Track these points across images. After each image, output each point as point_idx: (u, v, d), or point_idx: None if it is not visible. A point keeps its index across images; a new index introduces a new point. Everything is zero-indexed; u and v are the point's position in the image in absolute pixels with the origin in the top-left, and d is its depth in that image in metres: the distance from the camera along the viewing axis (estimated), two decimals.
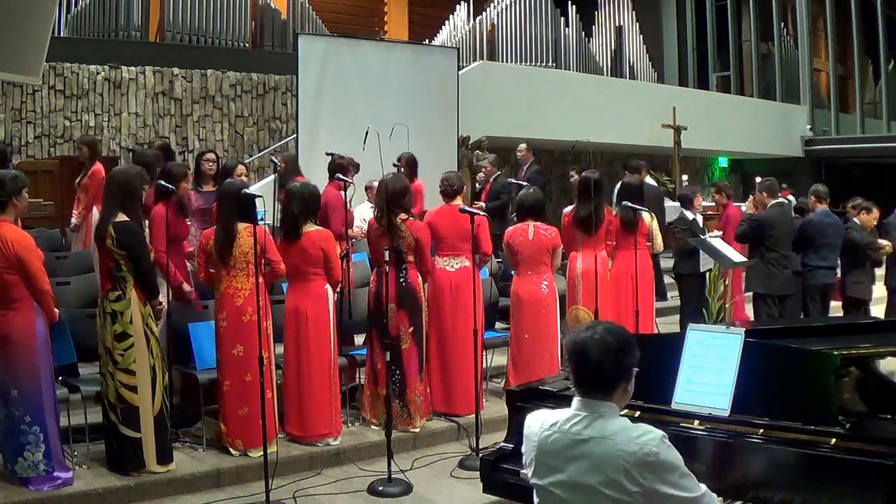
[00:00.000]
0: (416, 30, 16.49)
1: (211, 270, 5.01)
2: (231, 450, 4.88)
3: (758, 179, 8.50)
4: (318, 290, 5.16)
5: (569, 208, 6.48)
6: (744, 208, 9.14)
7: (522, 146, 9.94)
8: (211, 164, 6.59)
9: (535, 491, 2.46)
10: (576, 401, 2.38)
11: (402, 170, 7.14)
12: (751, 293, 7.88)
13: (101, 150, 8.99)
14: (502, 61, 15.52)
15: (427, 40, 15.11)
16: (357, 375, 5.84)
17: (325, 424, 5.14)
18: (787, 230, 7.39)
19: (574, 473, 2.31)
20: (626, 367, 2.35)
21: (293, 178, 6.59)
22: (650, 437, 2.25)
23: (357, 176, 7.50)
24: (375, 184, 7.15)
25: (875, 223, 7.91)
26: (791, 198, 10.35)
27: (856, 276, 7.62)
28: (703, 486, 2.31)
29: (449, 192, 5.90)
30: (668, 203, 9.84)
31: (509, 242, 6.00)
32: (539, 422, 2.44)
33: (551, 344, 5.93)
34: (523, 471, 3.36)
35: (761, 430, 3.00)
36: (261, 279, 4.80)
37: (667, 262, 9.19)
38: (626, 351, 2.33)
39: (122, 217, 4.47)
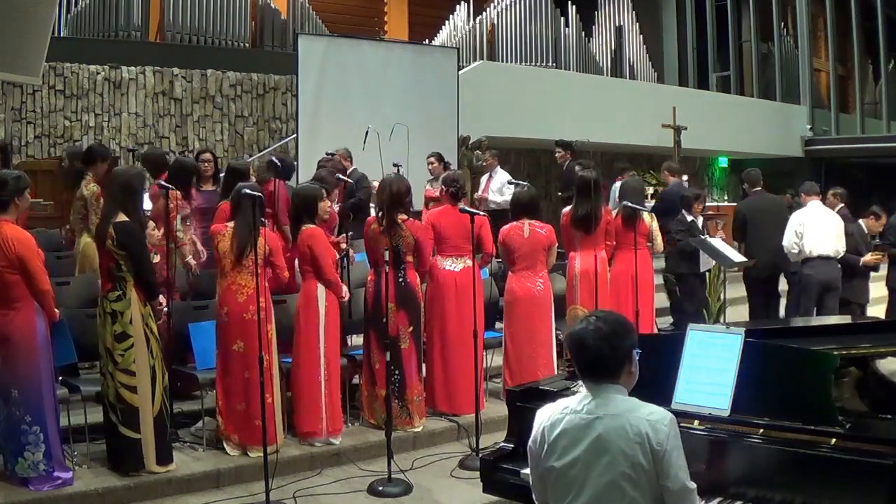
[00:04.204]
0: (416, 30, 16.46)
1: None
2: (227, 446, 4.87)
3: None
4: (309, 290, 5.15)
5: (567, 208, 6.48)
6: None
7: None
8: (206, 164, 6.64)
9: (546, 475, 2.49)
10: (584, 386, 2.48)
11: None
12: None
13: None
14: (502, 61, 15.50)
15: (427, 40, 15.09)
16: (357, 375, 5.84)
17: (313, 423, 5.11)
18: (768, 217, 7.73)
19: (587, 450, 2.39)
20: (625, 350, 2.45)
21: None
22: (661, 415, 2.37)
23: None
24: (375, 184, 7.14)
25: (880, 230, 7.92)
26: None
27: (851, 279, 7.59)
28: (693, 484, 2.39)
29: (459, 194, 5.93)
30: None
31: (505, 241, 6.00)
32: (549, 411, 2.53)
33: (546, 341, 5.91)
34: (524, 470, 3.38)
35: (761, 430, 3.01)
36: (262, 281, 4.76)
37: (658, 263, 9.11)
38: (620, 335, 2.44)
39: (122, 217, 4.47)
